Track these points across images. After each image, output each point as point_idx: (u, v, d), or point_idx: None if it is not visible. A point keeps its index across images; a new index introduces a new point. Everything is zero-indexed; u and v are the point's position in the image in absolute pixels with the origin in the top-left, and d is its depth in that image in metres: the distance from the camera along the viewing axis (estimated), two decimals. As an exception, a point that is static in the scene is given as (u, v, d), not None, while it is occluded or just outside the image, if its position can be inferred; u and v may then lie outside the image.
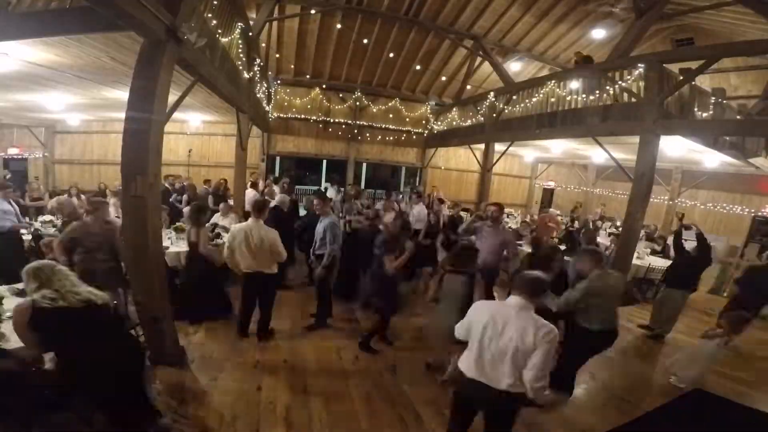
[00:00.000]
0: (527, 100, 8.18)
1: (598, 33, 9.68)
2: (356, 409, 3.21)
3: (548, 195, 15.37)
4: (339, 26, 10.36)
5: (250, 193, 7.96)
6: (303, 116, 12.33)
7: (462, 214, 8.43)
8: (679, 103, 5.92)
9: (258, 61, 7.81)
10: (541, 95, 7.76)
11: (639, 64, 5.77)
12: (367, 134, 13.02)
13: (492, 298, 4.52)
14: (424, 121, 13.40)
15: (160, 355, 3.46)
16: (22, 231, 5.53)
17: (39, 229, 5.82)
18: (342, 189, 11.05)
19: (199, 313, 4.50)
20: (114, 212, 5.45)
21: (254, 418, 2.99)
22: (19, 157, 10.83)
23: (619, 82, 6.09)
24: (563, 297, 3.31)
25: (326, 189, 12.06)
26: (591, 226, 9.12)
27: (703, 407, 3.72)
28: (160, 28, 2.94)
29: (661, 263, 6.94)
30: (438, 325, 3.50)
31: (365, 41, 10.79)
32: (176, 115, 4.27)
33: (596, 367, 4.18)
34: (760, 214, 9.13)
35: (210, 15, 4.28)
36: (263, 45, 10.48)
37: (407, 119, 13.23)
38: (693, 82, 5.80)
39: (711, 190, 10.19)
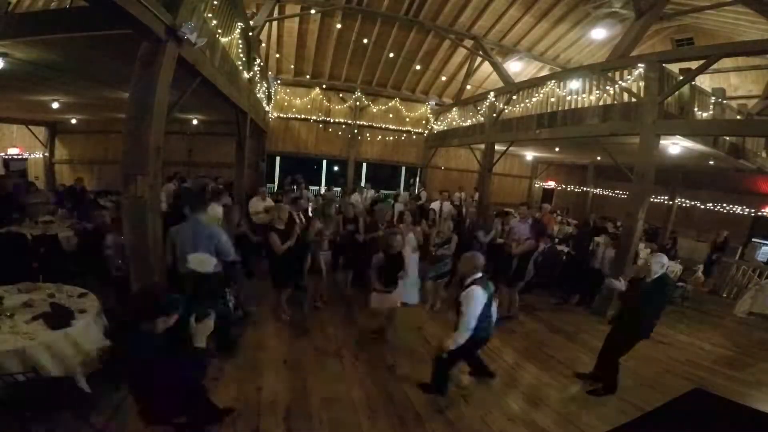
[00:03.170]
0: (527, 100, 8.18)
1: (598, 33, 9.68)
2: (356, 410, 3.21)
3: (548, 195, 15.37)
4: (339, 26, 10.35)
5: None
6: (303, 116, 12.33)
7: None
8: (679, 103, 5.92)
9: (258, 61, 7.82)
10: (541, 95, 7.76)
11: (639, 64, 5.77)
12: (367, 134, 13.01)
13: None
14: (424, 121, 13.40)
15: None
16: (23, 231, 5.52)
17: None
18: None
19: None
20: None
21: (254, 418, 2.99)
22: (19, 157, 10.83)
23: (619, 82, 6.09)
24: None
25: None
26: (592, 225, 9.12)
27: (703, 407, 3.71)
28: (160, 28, 2.94)
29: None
30: None
31: (365, 41, 10.78)
32: (176, 114, 4.27)
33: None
34: (760, 214, 9.13)
35: (210, 15, 4.28)
36: (263, 45, 10.47)
37: (407, 119, 13.23)
38: (693, 82, 5.80)
39: (711, 190, 10.19)
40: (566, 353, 4.53)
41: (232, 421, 2.90)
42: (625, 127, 5.86)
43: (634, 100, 5.82)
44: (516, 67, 11.71)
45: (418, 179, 14.13)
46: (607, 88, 6.37)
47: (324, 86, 12.34)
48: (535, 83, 8.17)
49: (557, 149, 10.53)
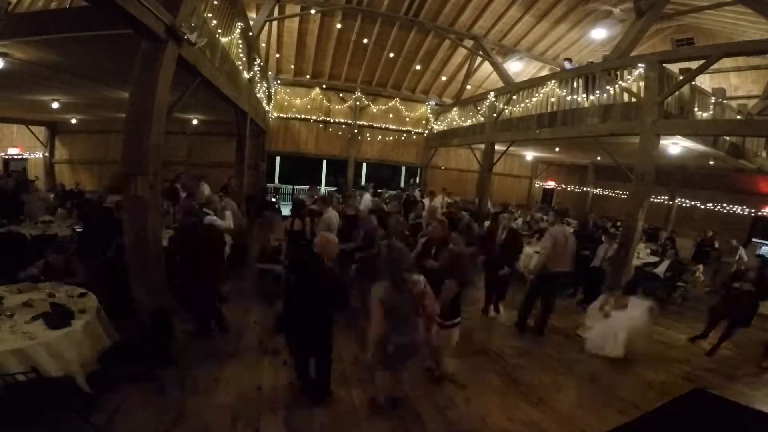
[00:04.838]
0: (527, 100, 8.18)
1: (598, 33, 9.68)
2: (356, 410, 3.21)
3: (548, 195, 15.38)
4: (339, 26, 10.36)
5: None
6: (303, 116, 12.34)
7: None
8: (679, 103, 5.92)
9: (258, 61, 7.82)
10: (541, 95, 7.76)
11: (639, 64, 5.77)
12: (367, 134, 13.03)
13: None
14: (424, 121, 13.41)
15: (159, 353, 3.46)
16: (23, 231, 5.53)
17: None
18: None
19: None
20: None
21: (254, 418, 2.98)
22: (19, 156, 10.84)
23: (619, 82, 6.09)
24: None
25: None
26: (591, 225, 9.13)
27: (703, 407, 3.71)
28: (160, 28, 2.94)
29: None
30: None
31: (365, 41, 10.79)
32: (176, 114, 4.27)
33: (596, 367, 4.18)
34: (760, 214, 9.13)
35: (210, 15, 4.28)
36: (263, 45, 10.48)
37: (407, 119, 13.24)
38: (693, 82, 5.80)
39: (711, 190, 10.18)
40: (566, 353, 4.53)
41: (232, 422, 2.91)
42: (625, 127, 5.86)
43: (634, 100, 5.82)
44: (516, 67, 11.72)
45: (418, 179, 14.15)
46: (607, 88, 6.37)
47: (324, 86, 12.35)
48: (535, 83, 8.18)
49: (557, 149, 10.53)
